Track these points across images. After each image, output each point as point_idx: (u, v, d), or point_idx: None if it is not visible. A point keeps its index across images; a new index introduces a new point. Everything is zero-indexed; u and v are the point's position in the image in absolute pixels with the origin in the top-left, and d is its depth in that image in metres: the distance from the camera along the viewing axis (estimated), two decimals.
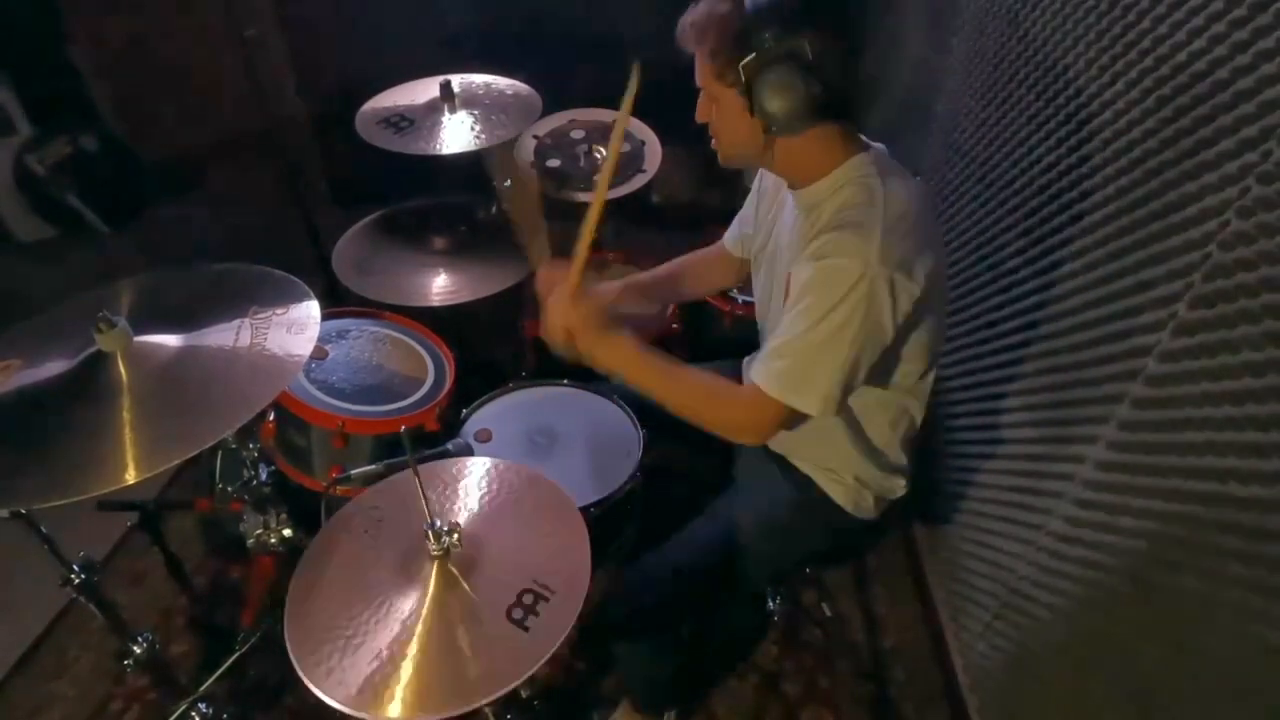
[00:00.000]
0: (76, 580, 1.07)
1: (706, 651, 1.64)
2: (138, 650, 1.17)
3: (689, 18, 1.02)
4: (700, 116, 1.10)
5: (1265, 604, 0.83)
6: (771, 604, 1.68)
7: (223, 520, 1.64)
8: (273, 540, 1.34)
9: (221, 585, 1.77)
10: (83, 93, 2.77)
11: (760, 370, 1.05)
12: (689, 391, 1.12)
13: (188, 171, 2.94)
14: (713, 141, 1.11)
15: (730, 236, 1.42)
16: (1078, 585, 1.17)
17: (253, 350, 0.98)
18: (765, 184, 1.31)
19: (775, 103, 0.98)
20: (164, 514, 1.51)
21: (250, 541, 1.35)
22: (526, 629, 0.85)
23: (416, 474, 0.83)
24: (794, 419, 1.05)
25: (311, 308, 1.06)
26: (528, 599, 0.88)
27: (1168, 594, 0.98)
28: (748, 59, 0.97)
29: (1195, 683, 0.94)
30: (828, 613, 1.70)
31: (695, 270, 1.47)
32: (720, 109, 1.05)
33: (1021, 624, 1.34)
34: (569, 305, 1.12)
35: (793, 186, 1.14)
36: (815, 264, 1.00)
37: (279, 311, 1.04)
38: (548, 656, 0.82)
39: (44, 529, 1.06)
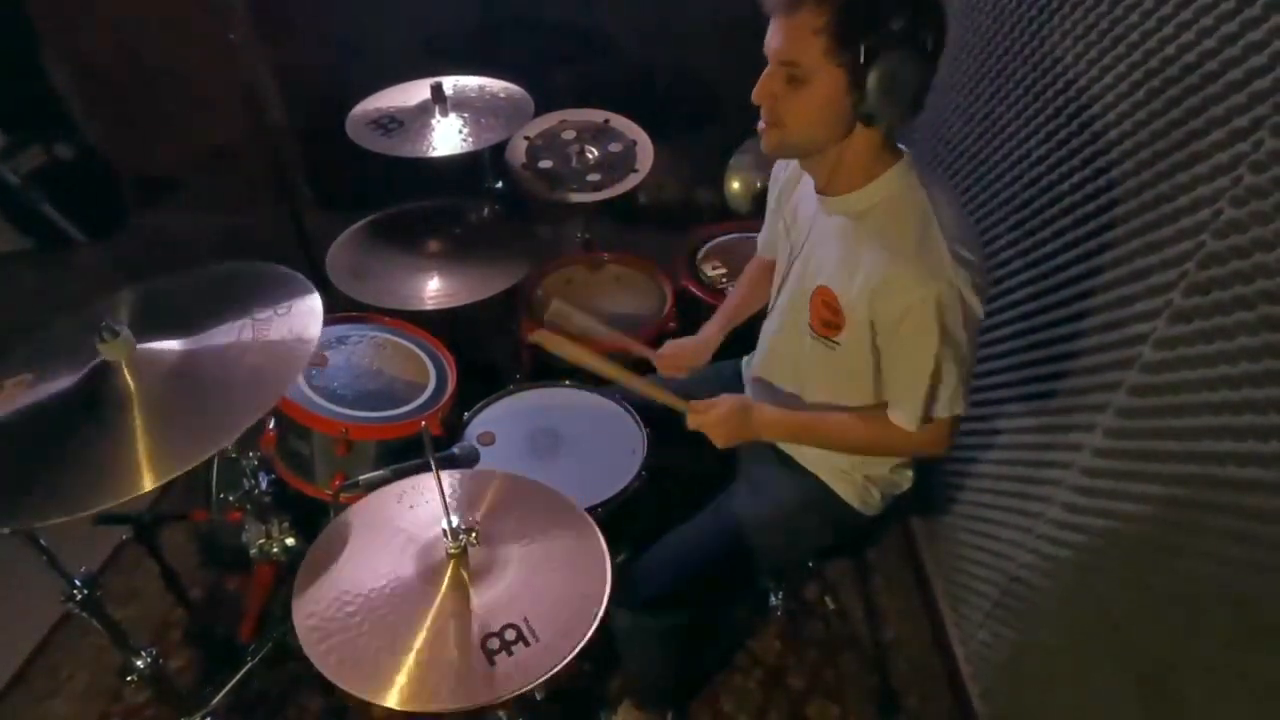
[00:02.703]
0: (79, 596, 1.05)
1: (708, 649, 1.65)
2: (141, 665, 1.14)
3: None
4: (765, 95, 1.00)
5: (1266, 585, 0.84)
6: (774, 599, 1.69)
7: (218, 531, 1.61)
8: (275, 549, 1.32)
9: (217, 597, 1.75)
10: (57, 100, 2.72)
11: (903, 414, 1.09)
12: (853, 445, 1.20)
13: (167, 177, 2.90)
14: (766, 123, 1.02)
15: (764, 245, 1.42)
16: (1078, 572, 1.18)
17: (258, 344, 0.97)
18: (781, 176, 1.28)
19: (888, 92, 0.93)
20: (159, 526, 1.49)
21: (253, 551, 1.33)
22: (493, 664, 0.83)
23: (437, 476, 0.82)
24: (955, 424, 1.11)
25: (313, 301, 1.04)
26: (510, 634, 0.85)
27: (1169, 577, 1.00)
28: (874, 38, 0.90)
29: (1200, 664, 0.95)
30: (831, 606, 1.71)
31: (759, 287, 1.45)
32: (809, 88, 0.96)
33: (1022, 612, 1.36)
34: (709, 417, 1.19)
35: (828, 191, 1.09)
36: (900, 301, 1.00)
37: (280, 310, 1.02)
38: (491, 702, 0.80)
39: (43, 544, 1.03)
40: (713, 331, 1.46)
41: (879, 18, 0.90)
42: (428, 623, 0.86)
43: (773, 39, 0.98)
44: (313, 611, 0.86)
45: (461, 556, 0.89)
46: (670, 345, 1.45)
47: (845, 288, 1.06)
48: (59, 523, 0.83)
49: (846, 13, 0.91)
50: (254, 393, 0.92)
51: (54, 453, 0.89)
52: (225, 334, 1.00)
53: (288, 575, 1.48)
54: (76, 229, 2.72)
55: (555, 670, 0.82)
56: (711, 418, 1.19)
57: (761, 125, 1.04)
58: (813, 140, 1.03)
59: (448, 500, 0.88)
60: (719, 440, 1.19)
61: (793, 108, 0.99)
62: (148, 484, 0.84)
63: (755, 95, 1.01)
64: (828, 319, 1.10)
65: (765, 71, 1.00)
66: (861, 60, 0.91)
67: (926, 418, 1.08)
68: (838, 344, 1.11)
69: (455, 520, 0.87)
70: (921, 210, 1.02)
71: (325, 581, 0.89)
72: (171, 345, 0.98)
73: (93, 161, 2.78)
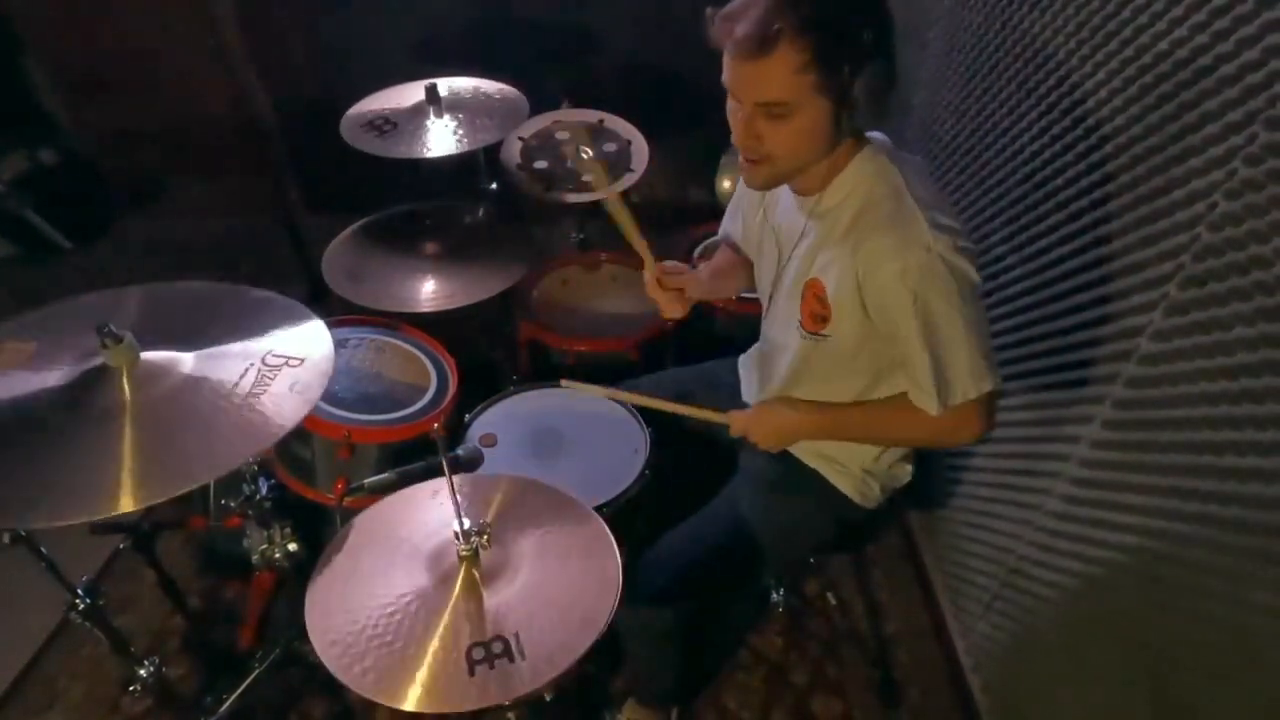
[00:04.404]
0: (81, 605, 1.03)
1: (710, 645, 1.66)
2: (144, 674, 1.13)
3: (765, 26, 0.88)
4: (749, 137, 0.97)
5: (1268, 572, 0.85)
6: (776, 596, 1.70)
7: (216, 538, 1.60)
8: (277, 555, 1.31)
9: (214, 604, 1.73)
10: (40, 104, 2.68)
11: (921, 396, 1.06)
12: (892, 434, 1.21)
13: (154, 182, 2.87)
14: (751, 161, 1.01)
15: (727, 242, 1.41)
16: (1078, 563, 1.20)
17: (259, 391, 0.93)
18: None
19: (874, 102, 0.92)
20: (156, 534, 1.47)
21: (255, 557, 1.32)
22: (473, 675, 0.81)
23: (449, 476, 0.82)
24: (988, 404, 1.07)
25: (325, 363, 0.99)
26: (497, 647, 0.83)
27: (1169, 567, 1.01)
28: (853, 58, 0.89)
29: (1206, 651, 0.96)
30: (832, 602, 1.72)
31: (737, 268, 1.43)
32: (793, 122, 0.94)
33: (1022, 603, 1.37)
34: (750, 420, 1.24)
35: (804, 191, 1.10)
36: (878, 277, 0.99)
37: (293, 362, 0.97)
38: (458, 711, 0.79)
39: (44, 551, 1.02)
40: (704, 279, 1.37)
41: (855, 37, 0.89)
42: (441, 627, 0.85)
43: (746, 82, 0.94)
44: (326, 619, 0.85)
45: (473, 559, 0.89)
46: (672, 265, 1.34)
47: (829, 277, 1.07)
48: (36, 528, 0.80)
49: (826, 43, 0.88)
50: (247, 435, 0.89)
51: (33, 454, 0.84)
52: (231, 366, 0.96)
53: (288, 581, 1.47)
54: (62, 235, 2.69)
55: (526, 694, 0.80)
56: (752, 421, 1.23)
57: (745, 163, 1.02)
58: (804, 164, 1.03)
59: (461, 502, 0.87)
60: (763, 442, 1.23)
61: (780, 141, 0.97)
62: (125, 505, 0.80)
63: (738, 140, 0.99)
64: (816, 312, 1.10)
65: (742, 115, 0.97)
66: (846, 84, 0.90)
67: (944, 400, 1.03)
68: (826, 336, 1.11)
69: (467, 522, 0.87)
70: (894, 187, 1.02)
71: (339, 588, 0.89)
72: (176, 364, 0.94)
73: (78, 166, 2.75)
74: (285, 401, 0.94)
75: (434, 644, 0.84)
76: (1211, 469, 0.92)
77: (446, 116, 1.63)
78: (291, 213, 2.08)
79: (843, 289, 1.04)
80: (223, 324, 1.01)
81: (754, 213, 1.28)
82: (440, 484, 1.01)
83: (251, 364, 0.97)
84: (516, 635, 0.84)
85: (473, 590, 0.89)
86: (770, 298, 1.26)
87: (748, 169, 1.03)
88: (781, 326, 1.22)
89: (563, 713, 1.50)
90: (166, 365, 0.93)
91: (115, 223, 2.82)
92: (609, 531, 0.98)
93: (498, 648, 0.83)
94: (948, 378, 1.03)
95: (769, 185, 1.09)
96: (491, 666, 0.82)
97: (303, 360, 0.98)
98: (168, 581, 1.50)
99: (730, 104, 0.99)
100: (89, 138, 2.74)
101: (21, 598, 1.41)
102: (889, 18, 0.94)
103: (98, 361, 0.90)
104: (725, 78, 0.96)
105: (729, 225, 1.40)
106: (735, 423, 1.25)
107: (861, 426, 1.20)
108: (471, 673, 0.81)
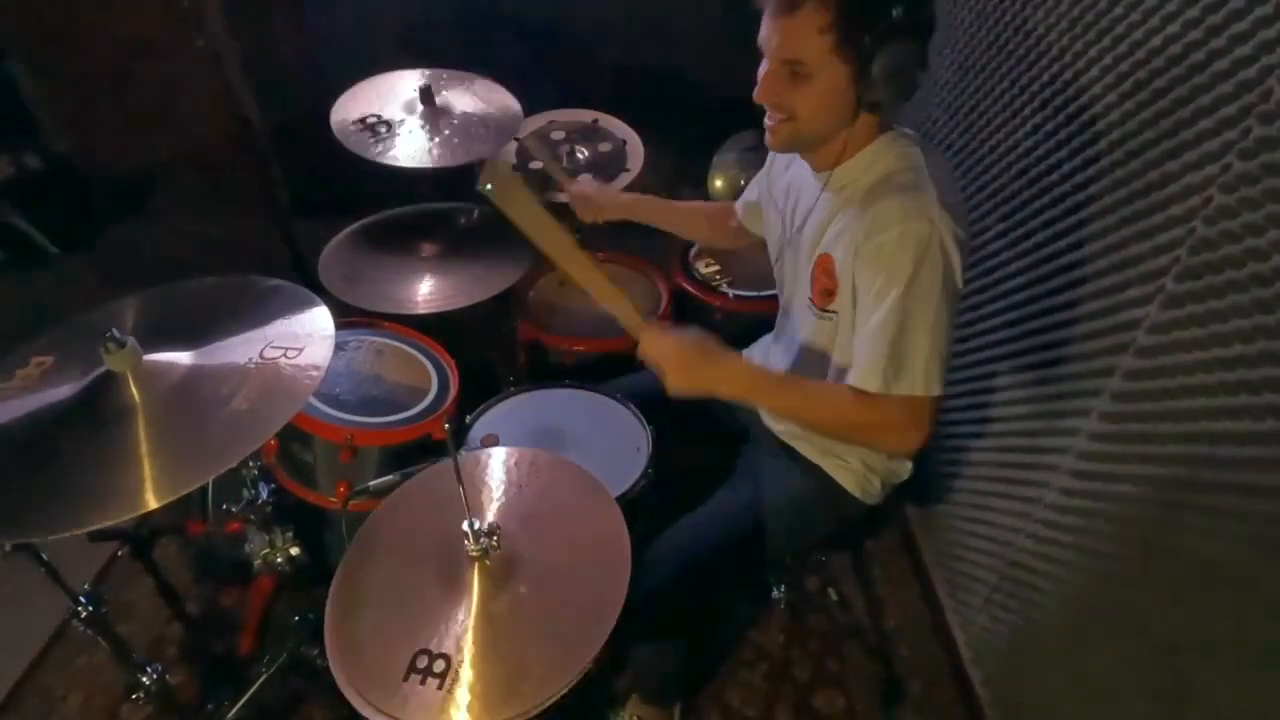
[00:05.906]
0: (84, 613, 1.03)
1: (712, 642, 1.66)
2: (147, 682, 1.12)
3: None
4: (770, 94, 1.01)
5: (1268, 561, 0.86)
6: (777, 593, 1.70)
7: (215, 543, 1.58)
8: (279, 559, 1.31)
9: (212, 610, 1.72)
10: (24, 108, 2.65)
11: (867, 374, 1.00)
12: (819, 416, 1.09)
13: (141, 187, 2.84)
14: (774, 119, 1.04)
15: (740, 203, 1.44)
16: (1077, 554, 1.21)
17: (259, 379, 0.94)
18: (777, 164, 1.31)
19: (893, 79, 0.94)
20: (154, 540, 1.46)
21: (257, 562, 1.31)
22: (404, 680, 0.78)
23: (458, 473, 0.82)
24: (931, 409, 1.01)
25: (323, 349, 0.98)
26: (439, 665, 0.79)
27: (1169, 558, 1.02)
28: (878, 30, 0.92)
29: (1204, 642, 0.98)
30: (834, 598, 1.73)
31: (697, 218, 1.52)
32: (814, 82, 0.97)
33: (1022, 596, 1.39)
34: (666, 344, 1.04)
35: (820, 167, 1.11)
36: (879, 237, 0.99)
37: (290, 354, 0.97)
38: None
39: (44, 557, 1.01)
40: (627, 198, 1.52)
41: (881, 9, 0.92)
42: (491, 624, 0.85)
43: (772, 38, 0.98)
44: (345, 631, 0.85)
45: (484, 559, 0.89)
46: (584, 181, 1.55)
47: (838, 249, 1.08)
48: (62, 537, 0.81)
49: (850, 9, 0.92)
50: (254, 420, 0.89)
51: (55, 465, 0.86)
52: (231, 356, 0.97)
53: (289, 585, 1.46)
54: (49, 241, 2.66)
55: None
56: (668, 347, 1.04)
57: (769, 122, 1.04)
58: (823, 130, 1.04)
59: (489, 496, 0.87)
60: (673, 380, 1.04)
61: (800, 101, 1.00)
62: (152, 502, 0.82)
63: (759, 95, 1.02)
64: (826, 287, 1.11)
65: (766, 70, 1.01)
66: (867, 53, 0.93)
67: (890, 383, 0.98)
68: (834, 314, 1.12)
69: (477, 522, 0.87)
70: (914, 165, 1.04)
71: (356, 599, 0.89)
72: (177, 359, 0.95)
73: (64, 171, 2.72)
74: (292, 381, 0.94)
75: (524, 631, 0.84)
76: (1209, 459, 0.93)
77: (441, 124, 1.62)
78: (283, 216, 2.07)
79: (848, 255, 1.05)
80: (212, 316, 1.03)
81: (780, 203, 1.29)
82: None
83: (251, 358, 0.97)
84: (460, 662, 0.80)
85: (490, 589, 0.89)
86: (785, 277, 1.27)
87: (770, 129, 1.06)
88: (797, 306, 1.23)
89: (564, 712, 1.50)
90: (169, 362, 0.94)
91: (103, 227, 2.79)
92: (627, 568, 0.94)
93: (439, 666, 0.79)
94: (903, 361, 0.98)
95: (788, 147, 1.11)
96: (422, 682, 0.78)
97: (300, 352, 0.98)
98: (166, 588, 1.49)
99: (761, 66, 1.02)
100: (74, 142, 2.71)
101: (16, 606, 1.40)
102: (925, 6, 0.95)
103: (102, 369, 0.91)
104: (760, 34, 1.00)
105: (744, 199, 1.44)
106: (648, 344, 1.06)
107: (799, 401, 1.09)
108: (404, 678, 0.79)
